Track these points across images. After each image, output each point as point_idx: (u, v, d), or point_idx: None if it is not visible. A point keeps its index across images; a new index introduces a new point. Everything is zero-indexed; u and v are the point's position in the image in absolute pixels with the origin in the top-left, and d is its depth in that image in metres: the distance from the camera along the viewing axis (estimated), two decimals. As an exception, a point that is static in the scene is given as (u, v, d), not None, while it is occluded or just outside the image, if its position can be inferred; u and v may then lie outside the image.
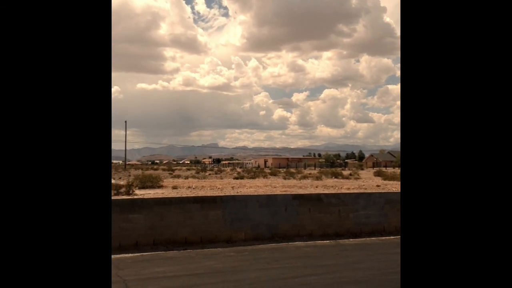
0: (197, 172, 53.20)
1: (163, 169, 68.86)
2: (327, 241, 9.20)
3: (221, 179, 39.26)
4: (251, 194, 16.47)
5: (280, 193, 18.28)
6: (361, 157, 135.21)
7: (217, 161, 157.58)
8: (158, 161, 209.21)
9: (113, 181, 24.48)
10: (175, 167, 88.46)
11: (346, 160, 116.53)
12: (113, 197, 16.89)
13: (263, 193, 17.18)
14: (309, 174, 45.61)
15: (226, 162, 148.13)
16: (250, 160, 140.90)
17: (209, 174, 49.27)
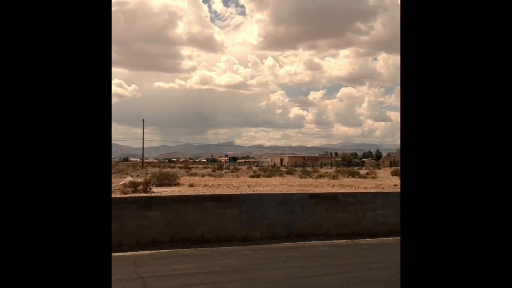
0: (213, 170, 53.41)
1: (180, 167, 69.36)
2: (344, 241, 9.15)
3: (237, 177, 39.35)
4: (267, 192, 16.46)
5: (296, 192, 18.23)
6: (378, 156, 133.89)
7: (233, 159, 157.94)
8: (174, 159, 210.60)
9: (130, 178, 24.75)
10: (192, 165, 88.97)
11: (363, 159, 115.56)
12: (131, 194, 17.09)
13: (279, 192, 17.17)
14: (326, 173, 45.39)
15: (242, 160, 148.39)
16: (266, 158, 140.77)
17: (225, 173, 49.44)
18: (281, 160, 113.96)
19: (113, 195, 16.72)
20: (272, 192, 16.55)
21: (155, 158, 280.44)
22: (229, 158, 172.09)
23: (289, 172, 47.49)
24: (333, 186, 26.52)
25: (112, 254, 7.67)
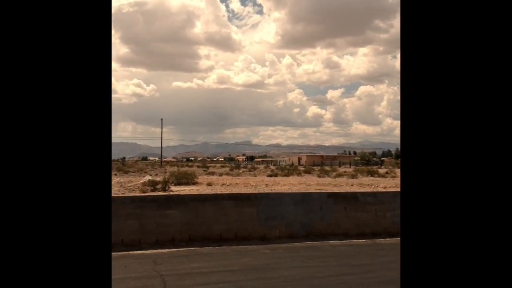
0: (231, 170, 53.60)
1: (198, 166, 69.79)
2: (363, 240, 9.06)
3: (255, 176, 39.39)
4: (285, 191, 16.42)
5: (314, 191, 18.14)
6: (397, 155, 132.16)
7: (251, 158, 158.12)
8: (192, 158, 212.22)
9: (149, 177, 25.00)
10: (209, 164, 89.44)
11: (382, 158, 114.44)
12: (150, 193, 17.26)
13: (297, 191, 17.10)
14: (344, 172, 45.07)
15: (260, 159, 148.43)
16: (284, 157, 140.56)
17: (243, 172, 49.55)
18: (299, 159, 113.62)
19: (132, 194, 16.93)
20: (290, 191, 16.50)
21: (174, 157, 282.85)
22: (247, 157, 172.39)
23: (307, 171, 47.31)
24: (352, 185, 26.31)
25: (132, 252, 7.78)
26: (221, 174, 41.23)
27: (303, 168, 55.75)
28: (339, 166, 71.89)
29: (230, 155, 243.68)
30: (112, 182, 23.87)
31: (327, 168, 58.93)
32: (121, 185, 22.71)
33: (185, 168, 48.49)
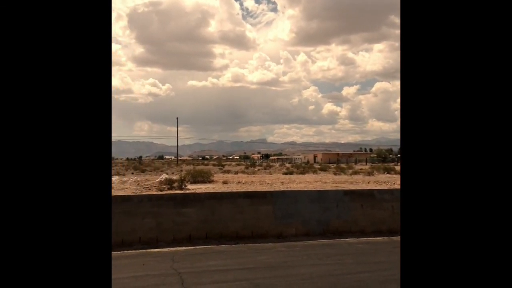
0: (246, 168, 53.64)
1: (213, 164, 70.08)
2: (380, 238, 8.99)
3: (270, 174, 39.36)
4: (301, 189, 16.39)
5: (331, 188, 18.06)
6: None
7: (266, 156, 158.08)
8: (208, 157, 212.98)
9: (166, 175, 25.20)
10: (225, 162, 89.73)
11: (398, 155, 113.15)
12: (167, 192, 17.40)
13: (313, 189, 17.04)
14: (360, 169, 44.73)
15: (275, 157, 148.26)
16: (299, 155, 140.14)
17: (258, 170, 49.55)
18: (315, 156, 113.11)
19: (149, 192, 17.09)
20: (306, 189, 16.46)
21: (189, 156, 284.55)
22: (262, 155, 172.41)
23: (323, 169, 47.10)
24: (368, 183, 26.10)
25: (150, 250, 7.86)
26: (236, 172, 41.32)
27: (319, 166, 55.52)
28: (355, 164, 71.41)
29: (245, 153, 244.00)
30: (129, 181, 24.15)
31: (343, 165, 58.57)
32: (138, 184, 22.94)
33: (201, 167, 48.72)
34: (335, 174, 38.88)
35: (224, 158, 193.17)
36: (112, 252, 7.87)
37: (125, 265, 6.71)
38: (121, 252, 7.60)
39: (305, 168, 48.89)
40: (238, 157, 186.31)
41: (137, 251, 7.71)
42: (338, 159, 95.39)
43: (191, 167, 48.98)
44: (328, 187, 21.38)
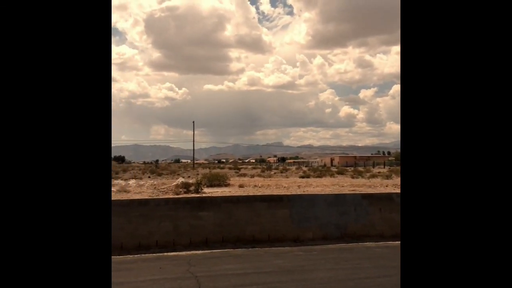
0: (263, 171, 53.59)
1: (229, 168, 70.20)
2: (399, 242, 8.83)
3: (287, 178, 39.23)
4: (318, 193, 16.27)
5: (348, 192, 17.88)
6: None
7: (282, 160, 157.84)
8: (224, 160, 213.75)
9: (182, 179, 25.33)
10: (241, 166, 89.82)
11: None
12: (183, 195, 17.47)
13: (330, 192, 16.90)
14: (378, 173, 44.27)
15: (291, 160, 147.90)
16: (316, 158, 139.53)
17: (275, 173, 49.44)
18: (332, 160, 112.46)
19: (166, 196, 17.16)
20: (323, 193, 16.33)
21: (205, 159, 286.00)
22: (278, 158, 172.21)
23: (340, 172, 46.73)
24: (386, 186, 25.77)
25: (167, 253, 7.87)
26: (252, 176, 41.30)
27: (336, 169, 55.12)
28: (373, 167, 70.71)
29: (261, 156, 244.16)
30: (146, 185, 24.33)
31: (360, 169, 58.05)
32: (155, 187, 23.09)
33: (217, 170, 48.86)
34: (352, 177, 38.54)
35: (240, 161, 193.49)
36: (129, 256, 7.91)
37: (142, 269, 6.73)
38: (138, 255, 7.63)
39: (322, 171, 48.61)
40: (254, 161, 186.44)
41: (154, 254, 7.73)
42: (356, 162, 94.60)
43: (207, 170, 49.16)
44: (346, 190, 21.19)
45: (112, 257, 7.61)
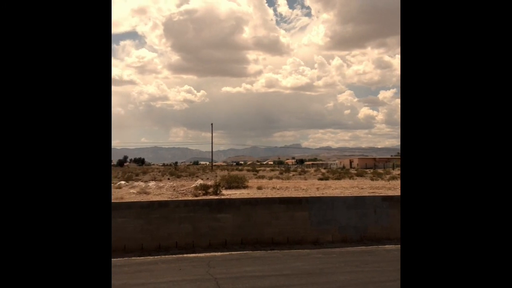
0: (281, 173, 53.45)
1: (248, 170, 70.25)
2: (420, 245, 8.71)
3: (305, 180, 39.04)
4: (338, 195, 16.14)
5: (368, 194, 17.70)
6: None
7: (300, 161, 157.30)
8: (242, 162, 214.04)
9: (201, 181, 25.47)
10: (259, 168, 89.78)
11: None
12: (202, 197, 17.55)
13: (350, 195, 16.76)
14: (398, 174, 43.70)
15: (310, 162, 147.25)
16: (335, 160, 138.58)
17: (293, 175, 49.29)
18: (351, 162, 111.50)
19: (185, 198, 17.28)
20: (342, 195, 16.20)
21: (224, 161, 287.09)
22: (296, 160, 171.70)
23: (360, 174, 46.29)
24: (406, 188, 25.36)
25: (187, 255, 7.92)
26: (271, 178, 41.22)
27: (355, 171, 54.65)
28: (393, 169, 69.83)
29: (279, 158, 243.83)
30: (166, 186, 24.55)
31: (380, 170, 57.40)
32: (174, 189, 23.28)
33: (235, 172, 48.92)
34: (372, 179, 38.11)
35: (258, 163, 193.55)
36: (149, 257, 7.97)
37: (162, 270, 6.79)
38: (159, 257, 7.70)
39: (341, 173, 48.25)
40: (272, 163, 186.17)
41: (174, 256, 7.79)
42: (375, 164, 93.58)
43: (225, 172, 49.32)
44: (365, 193, 20.97)
45: (133, 258, 7.70)
